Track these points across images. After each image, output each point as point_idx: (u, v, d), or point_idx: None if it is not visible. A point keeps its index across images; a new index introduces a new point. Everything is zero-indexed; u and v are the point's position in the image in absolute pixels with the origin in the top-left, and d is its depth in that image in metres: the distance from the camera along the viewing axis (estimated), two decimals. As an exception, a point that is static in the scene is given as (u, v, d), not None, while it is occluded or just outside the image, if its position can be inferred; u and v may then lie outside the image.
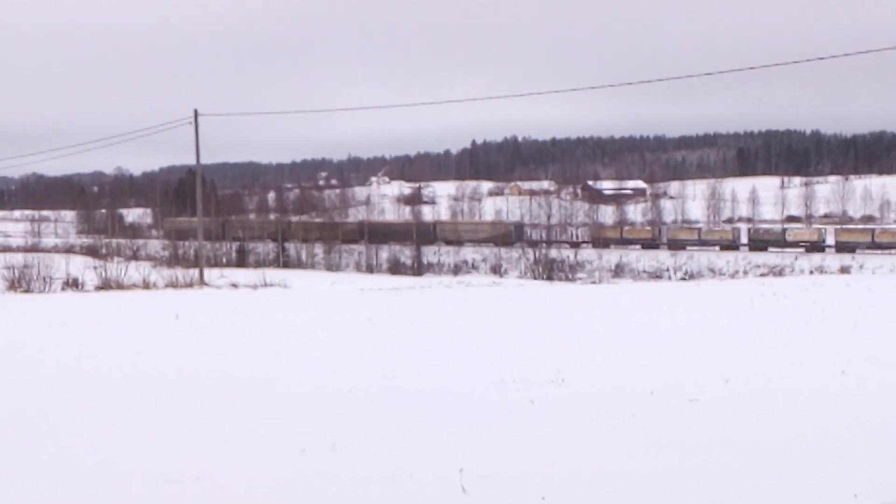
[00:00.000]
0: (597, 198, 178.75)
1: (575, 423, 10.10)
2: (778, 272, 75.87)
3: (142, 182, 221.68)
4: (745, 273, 79.00)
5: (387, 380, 13.29)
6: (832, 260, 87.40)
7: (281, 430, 10.02)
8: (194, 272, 52.18)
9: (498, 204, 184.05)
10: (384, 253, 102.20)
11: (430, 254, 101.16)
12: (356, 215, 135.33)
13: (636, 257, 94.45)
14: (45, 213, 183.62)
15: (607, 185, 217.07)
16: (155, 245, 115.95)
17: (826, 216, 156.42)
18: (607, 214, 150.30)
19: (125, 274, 43.85)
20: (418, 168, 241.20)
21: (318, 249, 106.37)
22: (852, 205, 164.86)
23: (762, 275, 72.51)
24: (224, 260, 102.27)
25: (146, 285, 41.39)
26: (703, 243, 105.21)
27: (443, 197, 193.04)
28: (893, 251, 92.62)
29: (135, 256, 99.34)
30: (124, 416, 10.97)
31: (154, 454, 9.07)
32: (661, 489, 7.61)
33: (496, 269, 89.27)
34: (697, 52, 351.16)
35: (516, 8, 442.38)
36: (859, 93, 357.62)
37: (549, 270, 79.02)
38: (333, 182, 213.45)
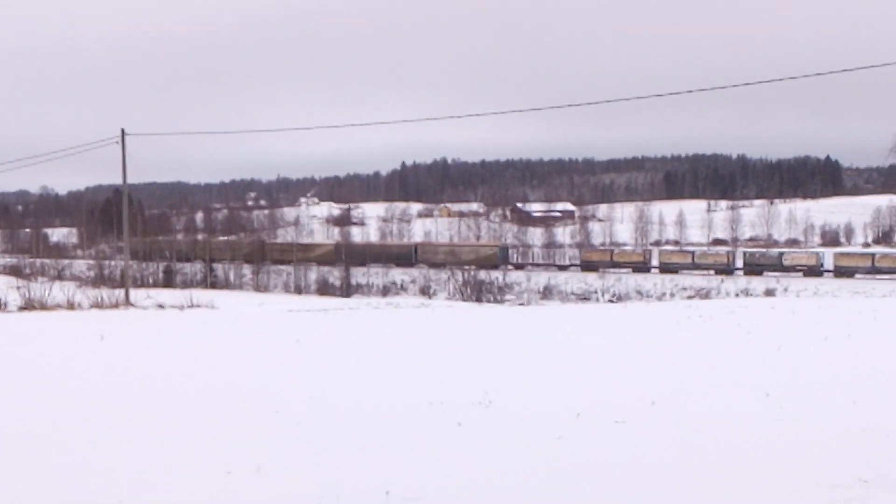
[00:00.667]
0: (526, 220, 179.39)
1: (502, 445, 10.10)
2: (704, 295, 76.43)
3: (67, 201, 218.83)
4: (672, 295, 79.54)
5: (314, 401, 13.23)
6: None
7: (206, 453, 9.91)
8: (120, 292, 51.59)
9: (427, 225, 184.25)
10: (312, 274, 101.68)
11: (358, 275, 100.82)
12: (285, 236, 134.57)
13: (564, 279, 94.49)
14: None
15: (536, 208, 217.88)
16: (80, 265, 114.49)
17: (751, 239, 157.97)
18: (536, 236, 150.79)
19: (49, 294, 43.20)
20: (348, 189, 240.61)
21: (247, 270, 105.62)
22: (777, 228, 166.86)
23: (689, 297, 73.10)
24: (151, 280, 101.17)
25: (71, 306, 40.80)
26: (696, 267, 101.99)
27: (372, 218, 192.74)
28: (894, 276, 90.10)
29: (59, 276, 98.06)
30: (45, 442, 10.79)
31: (73, 481, 8.90)
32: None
33: (425, 291, 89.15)
34: (626, 76, 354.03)
35: (446, 30, 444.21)
36: (784, 118, 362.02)
37: (478, 292, 78.89)
38: (262, 203, 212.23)
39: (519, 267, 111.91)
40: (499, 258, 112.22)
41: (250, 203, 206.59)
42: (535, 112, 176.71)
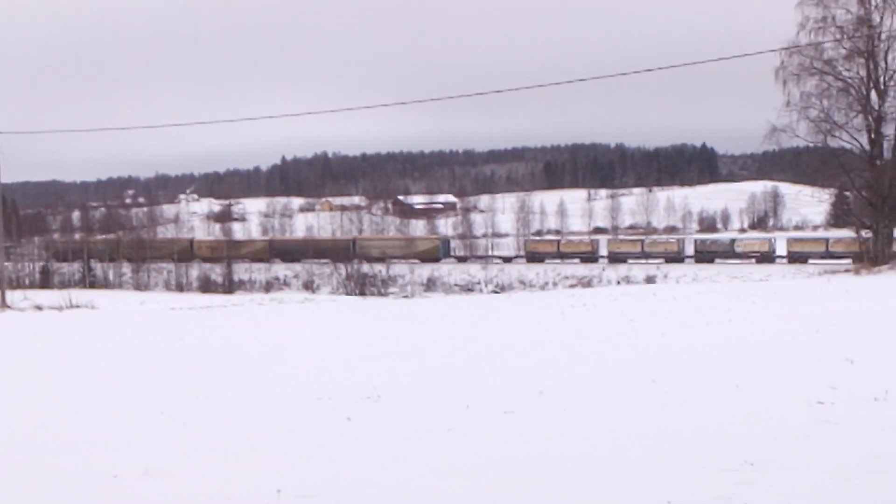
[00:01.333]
0: (408, 212, 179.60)
1: (392, 439, 10.08)
2: (586, 283, 77.16)
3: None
4: (555, 284, 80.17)
5: (200, 401, 13.08)
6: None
7: (91, 457, 9.72)
8: (-5, 295, 50.52)
9: (309, 220, 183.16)
10: (194, 271, 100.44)
11: (241, 271, 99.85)
12: (165, 233, 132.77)
13: (448, 271, 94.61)
14: None
15: (418, 200, 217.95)
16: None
17: (631, 227, 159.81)
18: (419, 228, 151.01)
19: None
20: (228, 185, 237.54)
21: (126, 269, 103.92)
22: (656, 216, 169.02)
23: (572, 286, 73.75)
24: (27, 281, 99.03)
25: (-57, 310, 39.87)
26: (646, 256, 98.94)
27: (253, 214, 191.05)
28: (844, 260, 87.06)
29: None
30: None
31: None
32: (480, 502, 7.63)
33: (308, 286, 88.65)
34: (504, 67, 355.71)
35: (324, 24, 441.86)
36: (661, 107, 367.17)
37: (362, 286, 78.83)
38: (141, 200, 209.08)
39: (461, 259, 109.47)
40: (440, 251, 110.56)
41: (128, 201, 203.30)
42: (416, 104, 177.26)
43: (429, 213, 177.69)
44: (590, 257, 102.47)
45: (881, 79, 50.50)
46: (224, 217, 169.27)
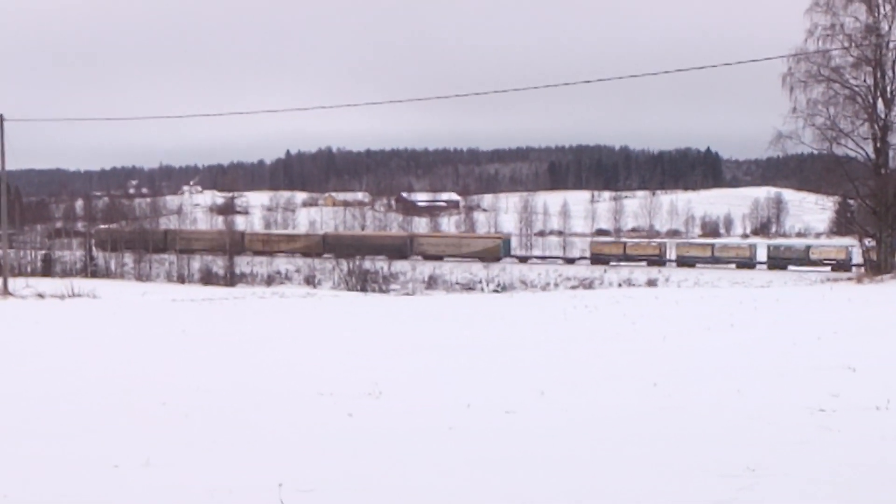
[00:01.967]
0: (411, 209, 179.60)
1: (393, 436, 10.09)
2: (588, 284, 77.26)
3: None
4: (557, 285, 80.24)
5: (202, 393, 13.08)
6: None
7: (92, 446, 9.72)
8: (-2, 281, 50.59)
9: (312, 214, 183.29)
10: (196, 263, 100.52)
11: (242, 264, 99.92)
12: (168, 224, 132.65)
13: (449, 269, 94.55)
14: None
15: (421, 197, 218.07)
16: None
17: (634, 230, 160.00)
18: (421, 226, 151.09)
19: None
20: (231, 178, 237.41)
21: (128, 259, 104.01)
22: (659, 219, 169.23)
23: (573, 287, 73.82)
24: (28, 269, 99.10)
25: (-54, 296, 39.90)
26: (716, 260, 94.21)
27: (256, 207, 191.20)
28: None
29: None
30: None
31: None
32: (479, 502, 7.63)
33: (310, 280, 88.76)
34: (511, 67, 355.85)
35: (332, 18, 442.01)
36: (666, 110, 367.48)
37: (363, 282, 78.98)
38: (144, 191, 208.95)
39: (523, 260, 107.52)
40: (502, 250, 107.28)
41: (132, 191, 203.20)
42: (421, 102, 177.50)
43: (431, 211, 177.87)
44: (657, 260, 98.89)
45: (888, 88, 50.61)
46: (227, 210, 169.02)
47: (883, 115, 50.81)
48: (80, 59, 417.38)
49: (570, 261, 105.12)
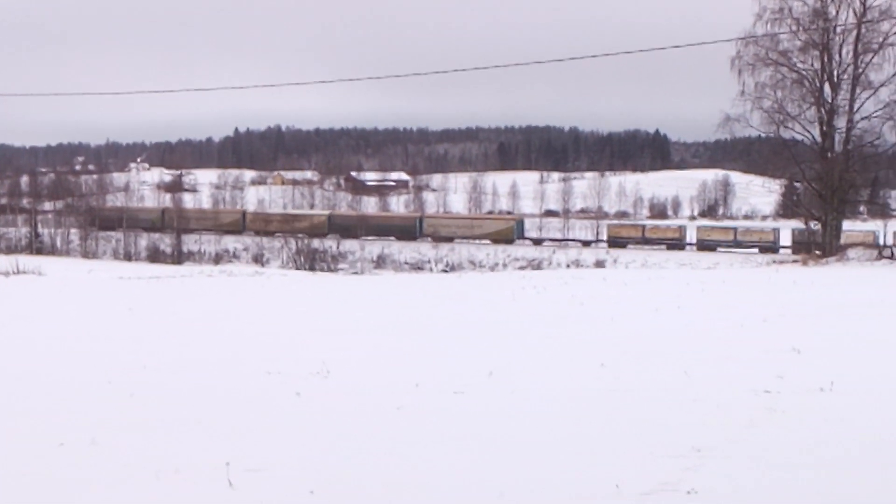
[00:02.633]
0: (360, 189, 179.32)
1: (342, 415, 10.08)
2: (536, 265, 77.39)
3: None
4: (505, 266, 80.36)
5: (148, 371, 13.00)
6: None
7: (37, 425, 9.65)
8: (-61, 258, 50.09)
9: (261, 193, 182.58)
10: (143, 241, 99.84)
11: (190, 242, 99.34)
12: (114, 201, 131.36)
13: (398, 248, 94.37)
14: None
15: (371, 177, 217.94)
16: None
17: (583, 211, 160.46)
18: (370, 205, 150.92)
19: None
20: (179, 155, 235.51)
21: (74, 236, 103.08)
22: (608, 200, 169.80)
23: (521, 268, 73.95)
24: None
25: None
26: (738, 245, 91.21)
27: (204, 185, 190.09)
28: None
29: None
30: None
31: None
32: (426, 484, 7.64)
33: (258, 259, 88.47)
34: (461, 46, 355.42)
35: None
36: (615, 92, 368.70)
37: (312, 261, 78.76)
38: (91, 167, 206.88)
39: (537, 242, 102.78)
40: (515, 232, 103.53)
41: (78, 168, 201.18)
42: (371, 81, 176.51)
43: (381, 191, 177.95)
44: (677, 244, 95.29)
45: (835, 72, 50.98)
46: (174, 187, 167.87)
47: (829, 99, 51.17)
48: (24, 31, 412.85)
49: (587, 243, 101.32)
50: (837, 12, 50.47)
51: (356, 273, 68.15)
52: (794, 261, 50.19)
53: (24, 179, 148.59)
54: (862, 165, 53.49)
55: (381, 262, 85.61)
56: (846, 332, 16.84)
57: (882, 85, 50.37)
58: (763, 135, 54.50)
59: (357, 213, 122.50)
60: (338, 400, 10.95)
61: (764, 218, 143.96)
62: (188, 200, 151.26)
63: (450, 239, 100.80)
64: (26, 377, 12.64)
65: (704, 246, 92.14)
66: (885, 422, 9.62)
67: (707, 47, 51.44)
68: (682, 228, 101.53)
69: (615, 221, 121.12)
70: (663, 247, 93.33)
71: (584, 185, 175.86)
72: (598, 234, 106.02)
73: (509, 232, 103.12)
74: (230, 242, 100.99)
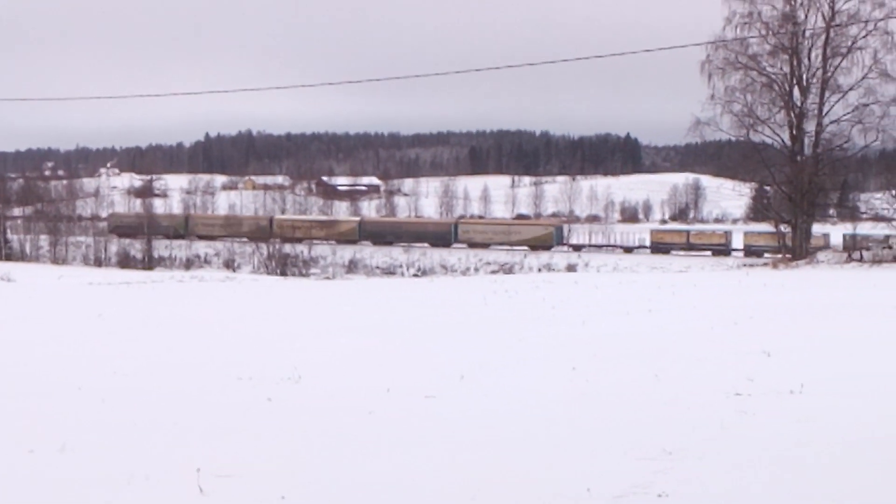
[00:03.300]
0: (331, 193, 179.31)
1: (313, 420, 10.06)
2: (508, 269, 77.43)
3: None
4: (477, 270, 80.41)
5: (119, 377, 12.94)
6: None
7: (6, 431, 9.60)
8: None
9: (232, 198, 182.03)
10: (113, 246, 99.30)
11: (161, 247, 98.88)
12: (85, 207, 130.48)
13: (370, 253, 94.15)
14: None
15: (342, 181, 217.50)
16: None
17: (554, 215, 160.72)
18: (342, 210, 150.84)
19: None
20: (150, 160, 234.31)
21: (44, 241, 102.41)
22: (579, 204, 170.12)
23: (493, 272, 74.00)
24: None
25: None
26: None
27: (175, 190, 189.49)
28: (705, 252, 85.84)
29: None
30: None
31: None
32: (398, 488, 7.64)
33: (229, 264, 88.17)
34: (431, 50, 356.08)
35: (250, 0, 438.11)
36: (586, 96, 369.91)
37: (283, 265, 78.61)
38: (60, 173, 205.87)
39: (576, 248, 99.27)
40: (555, 238, 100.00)
41: (48, 173, 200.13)
42: (342, 85, 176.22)
43: (352, 195, 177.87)
44: (722, 250, 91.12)
45: (804, 75, 51.32)
46: (145, 192, 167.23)
47: (799, 103, 51.51)
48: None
49: (629, 249, 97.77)
50: (806, 16, 50.91)
51: (328, 278, 68.04)
52: (765, 264, 50.47)
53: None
54: (831, 169, 53.86)
55: (352, 267, 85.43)
56: (816, 335, 16.93)
57: (851, 88, 50.81)
58: (733, 138, 54.92)
59: (390, 220, 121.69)
60: (309, 405, 10.94)
61: (734, 221, 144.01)
62: (159, 206, 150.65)
63: (486, 245, 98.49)
64: (-5, 384, 12.57)
65: (751, 252, 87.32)
66: (855, 423, 9.66)
67: (678, 51, 51.54)
68: (727, 234, 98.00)
69: (659, 227, 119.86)
70: (708, 253, 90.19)
71: (556, 189, 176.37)
72: (641, 239, 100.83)
73: (548, 238, 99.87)
74: (200, 248, 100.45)
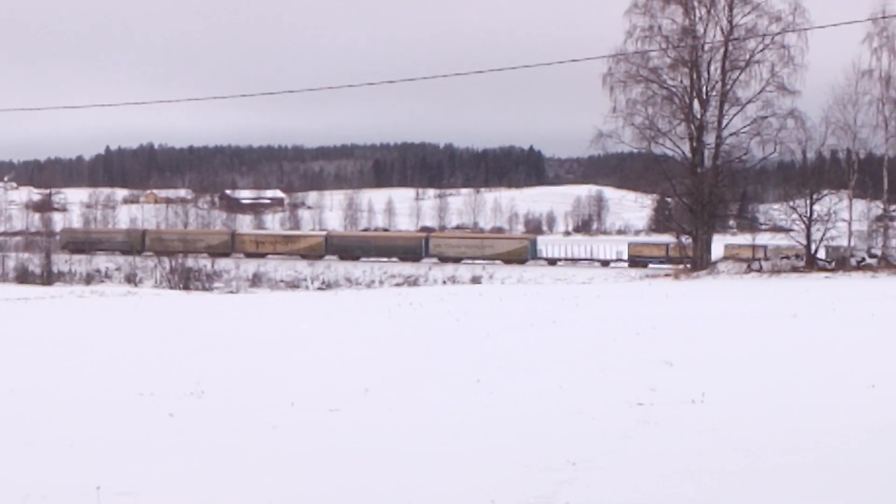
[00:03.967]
0: (235, 207, 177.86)
1: (216, 436, 9.96)
2: (413, 282, 77.39)
3: None
4: (382, 283, 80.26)
5: (16, 395, 12.71)
6: None
7: None
8: None
9: (133, 212, 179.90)
10: (10, 261, 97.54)
11: (60, 262, 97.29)
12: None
13: (273, 266, 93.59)
14: None
15: (245, 195, 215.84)
16: None
17: (458, 227, 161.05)
18: (245, 223, 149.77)
19: None
20: (49, 174, 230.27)
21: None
22: (483, 216, 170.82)
23: (398, 284, 73.92)
24: None
25: None
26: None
27: (75, 204, 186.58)
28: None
29: None
30: None
31: None
32: (300, 502, 7.58)
33: (130, 279, 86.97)
34: (334, 64, 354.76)
35: (152, 9, 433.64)
36: (490, 109, 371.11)
37: (186, 280, 77.69)
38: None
39: (552, 262, 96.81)
40: (529, 253, 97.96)
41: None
42: (245, 98, 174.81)
43: (256, 208, 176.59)
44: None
45: (704, 88, 51.94)
46: (44, 206, 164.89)
47: (699, 115, 52.08)
48: None
49: (606, 263, 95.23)
50: (705, 30, 51.51)
51: (231, 292, 67.46)
52: (667, 275, 50.98)
53: None
54: (731, 180, 54.61)
55: (256, 281, 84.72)
56: (717, 345, 17.14)
57: (749, 101, 51.49)
58: (635, 150, 55.39)
59: (358, 234, 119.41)
60: (212, 420, 10.82)
61: (637, 232, 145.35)
62: (58, 220, 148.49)
63: (458, 259, 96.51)
64: None
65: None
66: (756, 432, 9.77)
67: (580, 64, 52.07)
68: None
69: (636, 240, 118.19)
70: (689, 265, 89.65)
71: (460, 202, 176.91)
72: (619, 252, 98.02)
73: (523, 251, 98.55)
74: (101, 262, 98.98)
